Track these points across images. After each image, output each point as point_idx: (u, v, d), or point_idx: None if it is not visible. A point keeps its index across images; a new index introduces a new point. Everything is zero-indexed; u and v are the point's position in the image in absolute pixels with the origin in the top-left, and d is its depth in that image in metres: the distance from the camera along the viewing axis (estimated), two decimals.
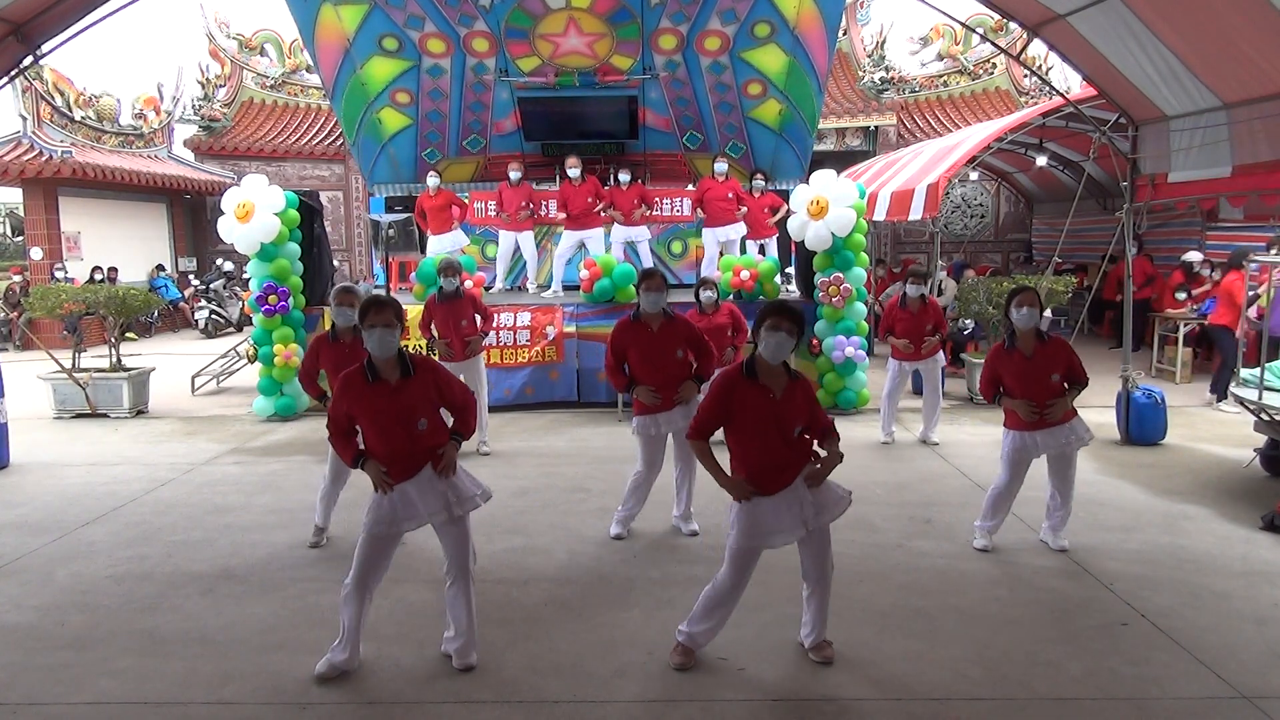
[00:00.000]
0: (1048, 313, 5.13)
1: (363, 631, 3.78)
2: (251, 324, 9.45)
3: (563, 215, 10.02)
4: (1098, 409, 8.59)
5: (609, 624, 4.21)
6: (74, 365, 9.50)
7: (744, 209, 9.89)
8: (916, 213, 10.23)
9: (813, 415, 3.69)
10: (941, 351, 7.85)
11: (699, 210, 10.11)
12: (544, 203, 10.79)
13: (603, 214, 9.93)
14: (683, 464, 5.38)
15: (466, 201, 10.94)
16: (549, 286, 10.45)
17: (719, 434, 3.72)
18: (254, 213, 8.80)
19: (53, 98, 15.05)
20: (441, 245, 10.16)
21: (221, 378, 11.02)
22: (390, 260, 10.97)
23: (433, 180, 10.08)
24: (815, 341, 8.94)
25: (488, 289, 10.09)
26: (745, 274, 9.21)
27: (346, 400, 3.66)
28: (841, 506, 3.71)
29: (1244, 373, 6.53)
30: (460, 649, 3.79)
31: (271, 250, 8.95)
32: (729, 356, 6.56)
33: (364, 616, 3.75)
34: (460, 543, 3.73)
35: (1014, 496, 5.11)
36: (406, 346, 3.92)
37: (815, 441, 3.74)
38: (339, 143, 18.66)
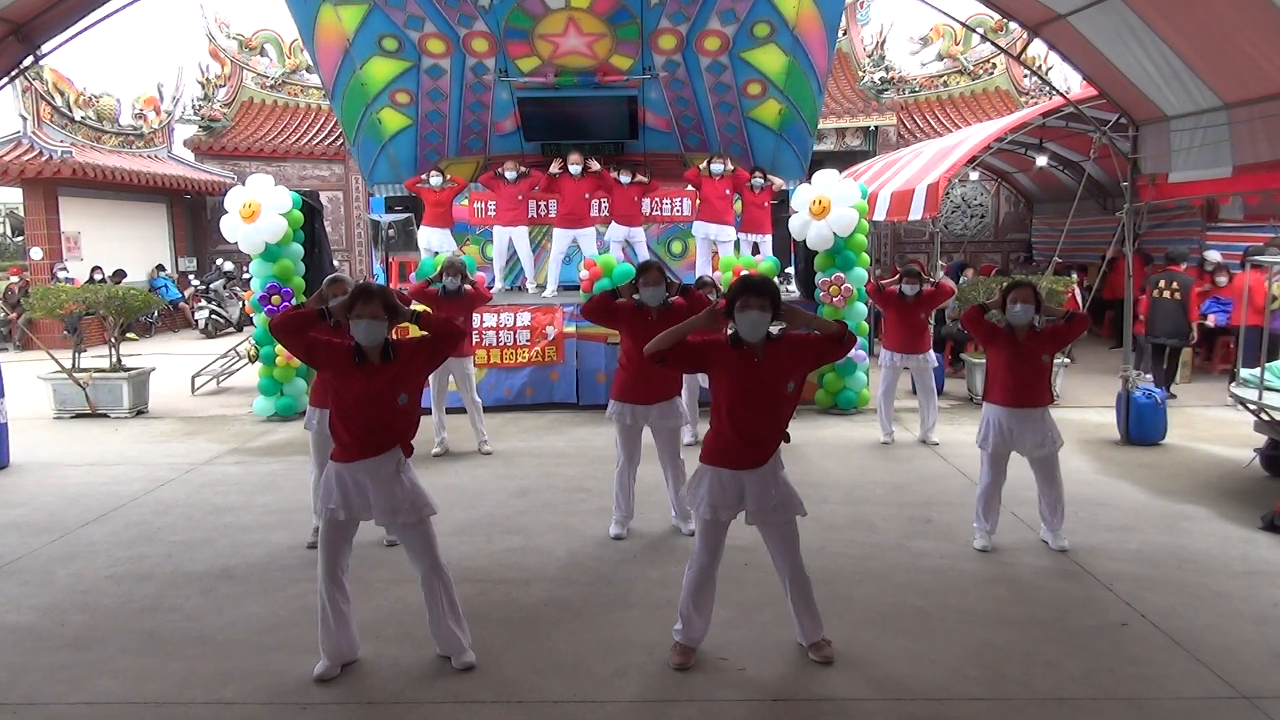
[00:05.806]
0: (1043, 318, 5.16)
1: (351, 618, 3.78)
2: (251, 324, 9.42)
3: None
4: (1098, 409, 8.61)
5: (609, 624, 4.21)
6: (74, 365, 9.50)
7: (739, 203, 9.92)
8: (916, 213, 10.23)
9: (810, 343, 3.66)
10: (932, 351, 7.84)
11: (696, 200, 10.14)
12: (541, 203, 10.80)
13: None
14: (668, 465, 5.40)
15: (466, 203, 10.98)
16: (547, 287, 10.45)
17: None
18: (260, 212, 8.79)
19: (53, 98, 15.03)
20: (430, 240, 10.19)
21: (221, 378, 11.02)
22: (390, 260, 10.98)
23: (435, 179, 10.10)
24: None
25: (487, 288, 10.10)
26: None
27: (330, 367, 3.66)
28: (798, 510, 3.73)
29: (1244, 373, 6.53)
30: (456, 651, 3.78)
31: (275, 250, 8.93)
32: None
33: (344, 603, 3.73)
34: (426, 542, 3.73)
35: (1000, 492, 5.14)
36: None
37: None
38: (339, 143, 18.65)
